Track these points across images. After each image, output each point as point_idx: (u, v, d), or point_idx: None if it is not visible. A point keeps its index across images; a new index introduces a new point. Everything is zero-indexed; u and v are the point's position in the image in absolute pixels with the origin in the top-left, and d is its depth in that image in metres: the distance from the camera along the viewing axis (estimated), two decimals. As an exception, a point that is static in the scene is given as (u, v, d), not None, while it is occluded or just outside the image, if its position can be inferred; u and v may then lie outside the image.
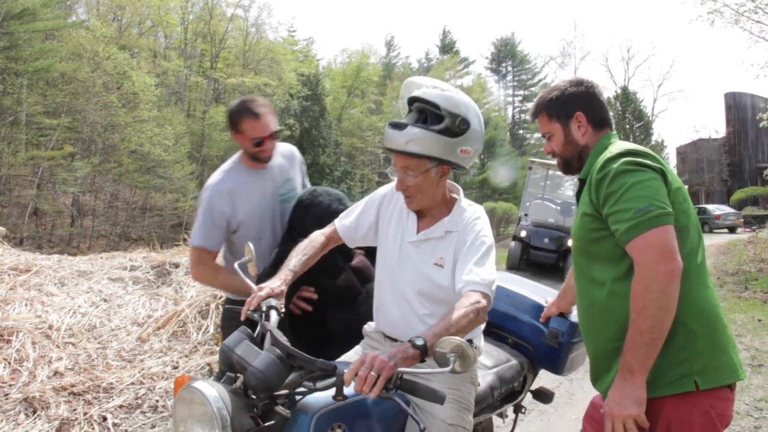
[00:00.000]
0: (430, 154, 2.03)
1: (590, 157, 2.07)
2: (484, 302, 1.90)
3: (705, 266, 1.94)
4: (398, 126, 2.04)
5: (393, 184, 2.27)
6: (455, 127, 2.03)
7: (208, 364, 5.22)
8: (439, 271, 2.12)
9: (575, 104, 2.09)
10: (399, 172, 2.12)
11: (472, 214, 2.17)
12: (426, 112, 2.07)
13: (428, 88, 2.10)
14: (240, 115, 2.87)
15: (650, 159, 1.87)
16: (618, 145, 1.97)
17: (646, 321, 1.73)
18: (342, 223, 2.38)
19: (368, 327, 2.39)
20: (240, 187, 2.92)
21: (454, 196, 2.25)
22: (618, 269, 1.89)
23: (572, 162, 2.15)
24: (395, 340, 2.20)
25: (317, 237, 2.36)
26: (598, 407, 2.03)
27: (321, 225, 2.46)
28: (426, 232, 2.18)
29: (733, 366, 1.85)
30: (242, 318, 1.98)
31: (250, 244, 2.28)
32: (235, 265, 2.23)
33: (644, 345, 1.74)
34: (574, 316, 2.84)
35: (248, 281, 2.17)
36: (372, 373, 1.57)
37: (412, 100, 2.12)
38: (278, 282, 2.10)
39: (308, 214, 2.77)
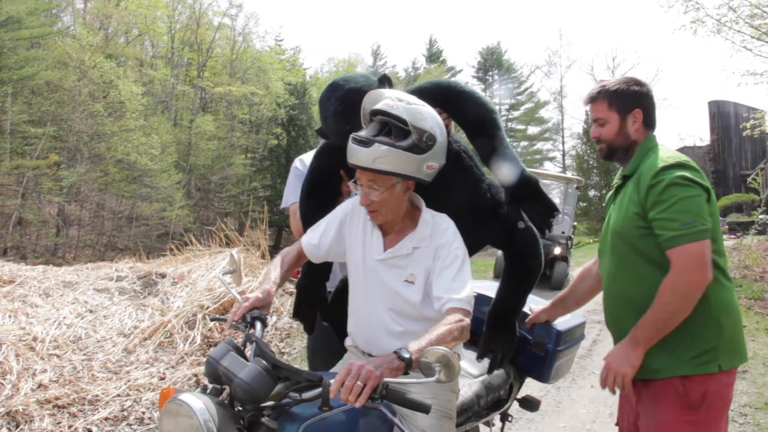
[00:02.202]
0: (397, 172, 2.00)
1: (636, 155, 2.27)
2: (467, 320, 1.92)
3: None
4: (364, 142, 1.98)
5: (355, 199, 2.24)
6: (422, 143, 2.01)
7: (195, 375, 5.19)
8: (410, 288, 2.10)
9: (637, 101, 2.28)
10: (364, 186, 2.08)
11: (438, 225, 2.14)
12: (389, 125, 2.03)
13: (392, 100, 2.03)
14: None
15: (700, 177, 2.09)
16: (669, 153, 2.18)
17: (666, 314, 2.04)
18: (307, 239, 2.35)
19: (348, 341, 2.38)
20: None
21: (417, 206, 2.22)
22: (657, 268, 2.11)
23: (618, 151, 2.32)
24: (371, 356, 2.19)
25: (290, 252, 2.35)
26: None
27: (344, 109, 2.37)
28: (393, 250, 2.14)
29: (744, 351, 2.21)
30: (228, 327, 1.98)
31: (234, 254, 2.29)
32: (220, 275, 2.24)
33: (656, 330, 2.06)
34: (560, 323, 2.86)
35: (233, 291, 2.18)
36: (358, 382, 1.57)
37: (376, 112, 2.06)
38: (264, 292, 2.10)
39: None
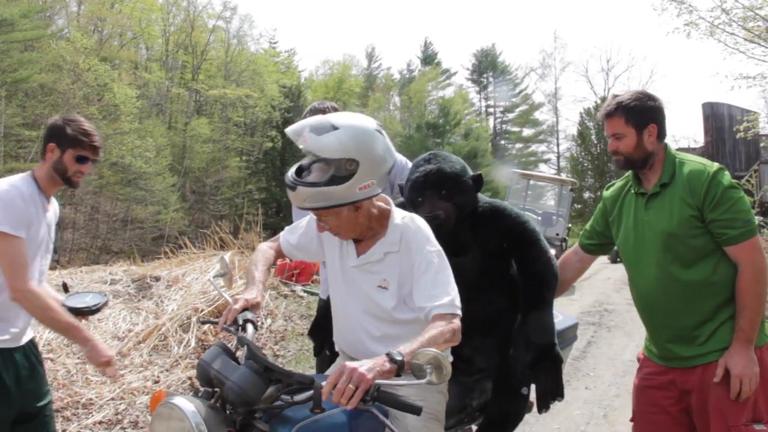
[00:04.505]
0: (328, 205, 1.95)
1: (667, 164, 2.44)
2: (457, 322, 1.90)
3: None
4: (291, 187, 1.94)
5: None
6: (343, 171, 1.91)
7: (190, 379, 5.19)
8: (384, 293, 2.09)
9: (651, 116, 2.44)
10: (315, 217, 2.11)
11: (408, 228, 2.10)
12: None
13: (308, 133, 1.94)
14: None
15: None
16: (700, 159, 2.43)
17: (760, 304, 2.28)
18: (286, 239, 2.38)
19: (337, 346, 2.39)
20: None
21: (386, 207, 2.18)
22: (713, 260, 2.36)
23: (637, 162, 2.47)
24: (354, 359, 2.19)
25: (267, 251, 2.37)
26: (654, 380, 2.53)
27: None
28: (365, 257, 2.13)
29: None
30: (219, 331, 1.98)
31: (225, 258, 2.30)
32: (211, 278, 2.24)
33: (758, 321, 2.30)
34: (556, 324, 2.87)
35: (225, 295, 2.18)
36: (350, 385, 1.57)
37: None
38: (254, 294, 2.10)
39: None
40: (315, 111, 3.10)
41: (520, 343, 2.57)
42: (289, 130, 2.03)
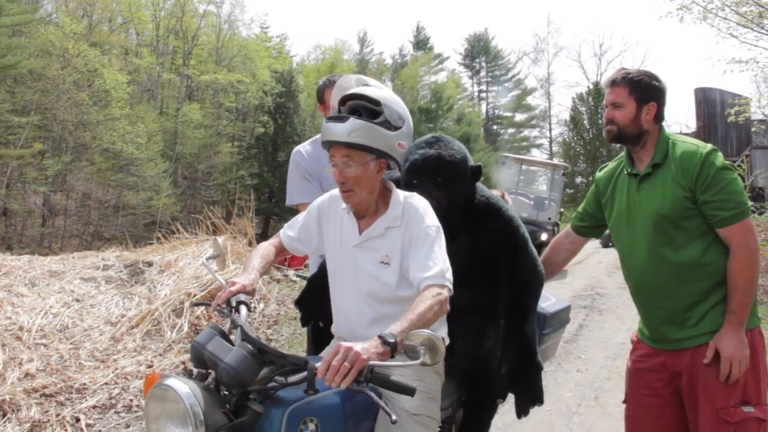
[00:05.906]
0: (372, 146, 2.06)
1: (660, 144, 2.44)
2: (445, 293, 1.93)
3: None
4: (340, 119, 2.06)
5: (331, 193, 2.30)
6: (393, 120, 2.11)
7: (183, 363, 5.19)
8: (386, 269, 2.12)
9: (654, 95, 2.45)
10: (339, 164, 2.11)
11: (410, 204, 2.16)
12: (359, 110, 2.11)
13: (363, 86, 2.18)
14: (324, 87, 3.21)
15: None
16: (694, 140, 2.43)
17: (753, 286, 2.31)
18: (287, 234, 2.39)
19: (334, 329, 2.40)
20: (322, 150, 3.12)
21: (389, 188, 2.24)
22: (704, 242, 2.35)
23: (629, 137, 2.47)
24: None
25: (268, 247, 2.38)
26: (646, 364, 2.53)
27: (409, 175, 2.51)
28: (367, 232, 2.16)
29: None
30: (212, 312, 1.99)
31: (219, 240, 2.30)
32: (204, 260, 2.24)
33: (749, 304, 2.31)
34: (545, 307, 2.89)
35: (219, 277, 2.18)
36: (345, 363, 1.58)
37: (345, 99, 2.16)
38: (249, 279, 2.10)
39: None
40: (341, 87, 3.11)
41: (499, 351, 2.54)
42: (343, 79, 2.39)
